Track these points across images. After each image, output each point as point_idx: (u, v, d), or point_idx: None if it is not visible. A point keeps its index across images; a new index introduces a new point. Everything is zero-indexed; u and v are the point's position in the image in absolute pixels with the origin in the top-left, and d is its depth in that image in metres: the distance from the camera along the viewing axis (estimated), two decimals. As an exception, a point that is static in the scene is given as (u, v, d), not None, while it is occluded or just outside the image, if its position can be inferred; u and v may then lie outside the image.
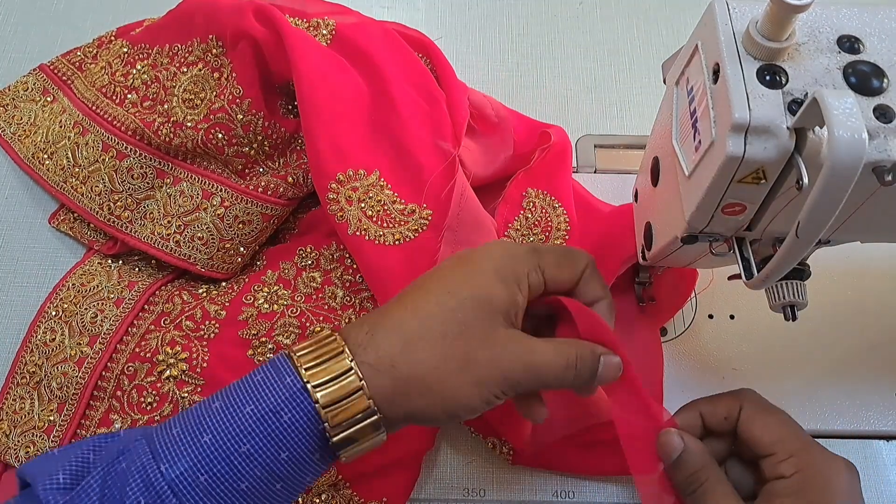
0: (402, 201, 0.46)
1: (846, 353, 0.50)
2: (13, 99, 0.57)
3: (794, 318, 0.39)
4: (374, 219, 0.46)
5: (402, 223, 0.46)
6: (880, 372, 0.50)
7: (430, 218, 0.46)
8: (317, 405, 0.31)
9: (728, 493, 0.39)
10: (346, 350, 0.33)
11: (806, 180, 0.30)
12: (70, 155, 0.52)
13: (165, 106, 0.50)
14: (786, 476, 0.39)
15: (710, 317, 0.52)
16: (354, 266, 0.48)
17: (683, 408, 0.43)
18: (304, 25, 0.52)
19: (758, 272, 0.35)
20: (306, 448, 0.32)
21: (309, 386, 0.31)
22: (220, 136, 0.49)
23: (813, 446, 0.40)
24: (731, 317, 0.52)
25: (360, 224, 0.45)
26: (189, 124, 0.49)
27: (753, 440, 0.40)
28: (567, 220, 0.50)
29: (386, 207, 0.46)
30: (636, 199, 0.48)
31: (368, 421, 0.32)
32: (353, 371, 0.32)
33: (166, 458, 0.30)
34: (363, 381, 0.32)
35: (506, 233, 0.50)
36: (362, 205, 0.46)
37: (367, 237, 0.45)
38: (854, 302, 0.52)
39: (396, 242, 0.45)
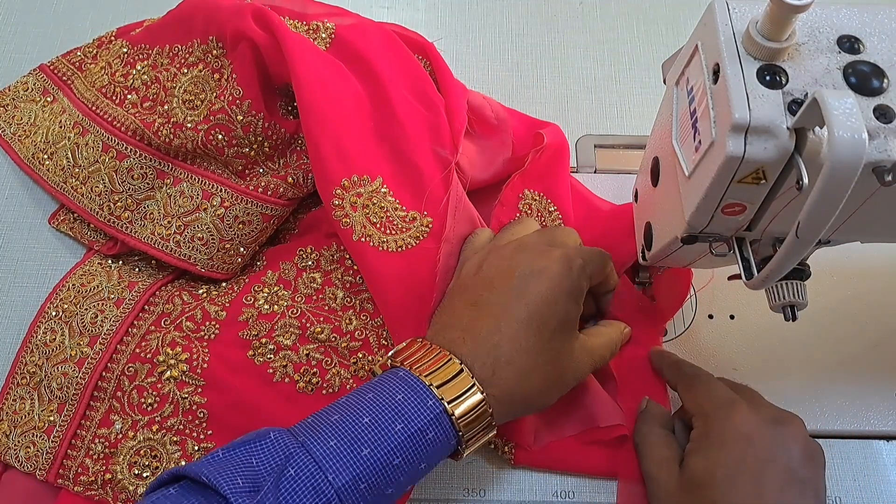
0: (404, 208, 0.46)
1: (846, 353, 0.50)
2: (13, 99, 0.57)
3: (794, 319, 0.39)
4: (378, 225, 0.46)
5: (404, 230, 0.46)
6: (880, 372, 0.50)
7: (430, 226, 0.46)
8: (456, 422, 0.37)
9: (660, 439, 0.44)
10: (465, 370, 0.38)
11: (806, 180, 0.30)
12: (70, 155, 0.52)
13: (165, 107, 0.50)
14: (694, 428, 0.43)
15: (710, 317, 0.52)
16: (354, 267, 0.48)
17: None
18: (303, 28, 0.52)
19: (758, 272, 0.35)
20: (441, 456, 0.38)
21: (446, 405, 0.37)
22: (220, 136, 0.49)
23: (716, 399, 0.42)
24: (731, 317, 0.52)
25: (364, 230, 0.45)
26: (189, 125, 0.49)
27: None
28: (561, 223, 0.51)
29: (389, 214, 0.46)
30: (636, 199, 0.48)
31: (489, 429, 0.39)
32: (474, 386, 0.38)
33: (331, 468, 0.34)
34: (484, 395, 0.38)
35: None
36: (366, 211, 0.46)
37: (371, 243, 0.45)
38: (854, 302, 0.52)
39: (399, 249, 0.45)
